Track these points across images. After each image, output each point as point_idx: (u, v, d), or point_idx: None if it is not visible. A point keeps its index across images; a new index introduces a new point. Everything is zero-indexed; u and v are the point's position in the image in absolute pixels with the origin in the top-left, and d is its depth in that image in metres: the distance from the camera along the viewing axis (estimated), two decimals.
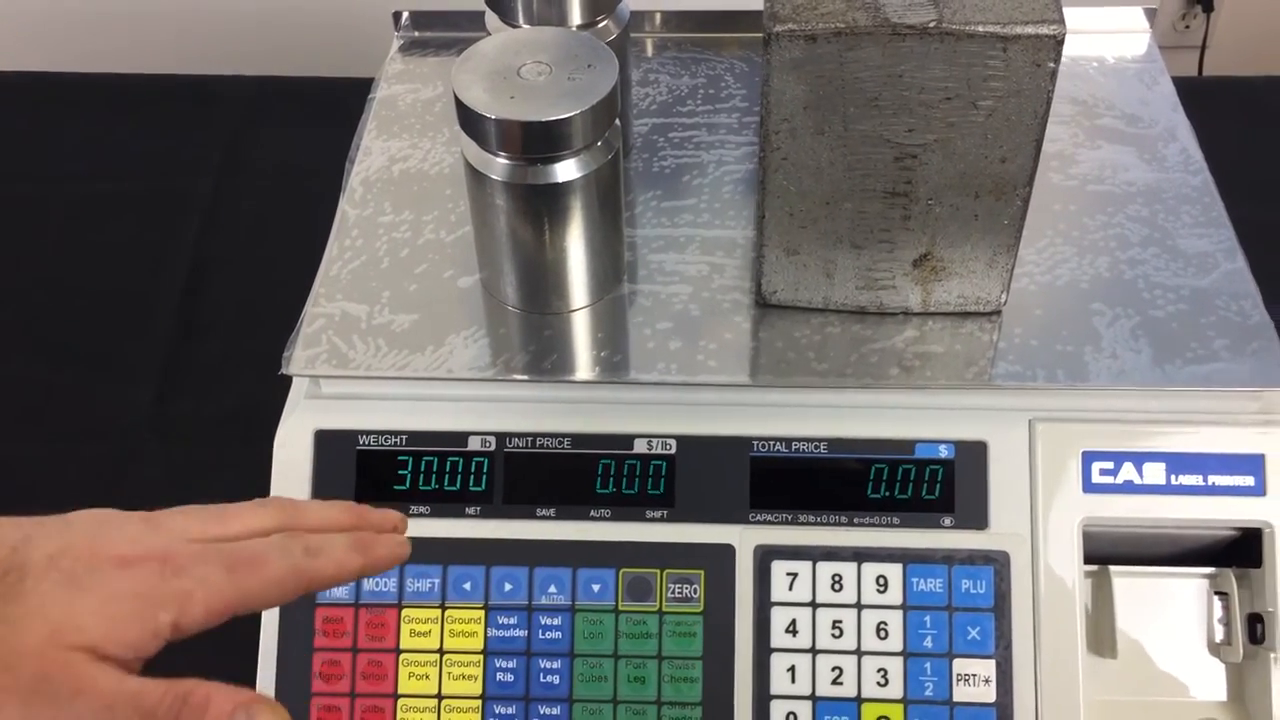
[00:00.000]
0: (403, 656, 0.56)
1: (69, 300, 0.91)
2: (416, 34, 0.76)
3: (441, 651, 0.56)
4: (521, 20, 0.61)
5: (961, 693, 0.54)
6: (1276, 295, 0.84)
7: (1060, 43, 0.48)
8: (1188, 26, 1.61)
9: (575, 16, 0.61)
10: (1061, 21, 0.48)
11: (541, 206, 0.55)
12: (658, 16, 0.76)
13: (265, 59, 1.19)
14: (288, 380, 0.60)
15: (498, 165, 0.54)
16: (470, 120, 0.53)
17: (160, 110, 1.08)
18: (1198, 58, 1.59)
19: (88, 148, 1.04)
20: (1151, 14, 0.72)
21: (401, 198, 0.65)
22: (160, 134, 1.06)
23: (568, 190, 0.55)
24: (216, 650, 0.68)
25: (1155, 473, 0.55)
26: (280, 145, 1.04)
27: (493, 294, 0.60)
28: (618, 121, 0.56)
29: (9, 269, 0.93)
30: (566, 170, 0.54)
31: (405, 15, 0.76)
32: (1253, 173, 0.96)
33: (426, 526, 0.56)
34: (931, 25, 0.48)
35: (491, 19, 0.62)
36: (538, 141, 0.53)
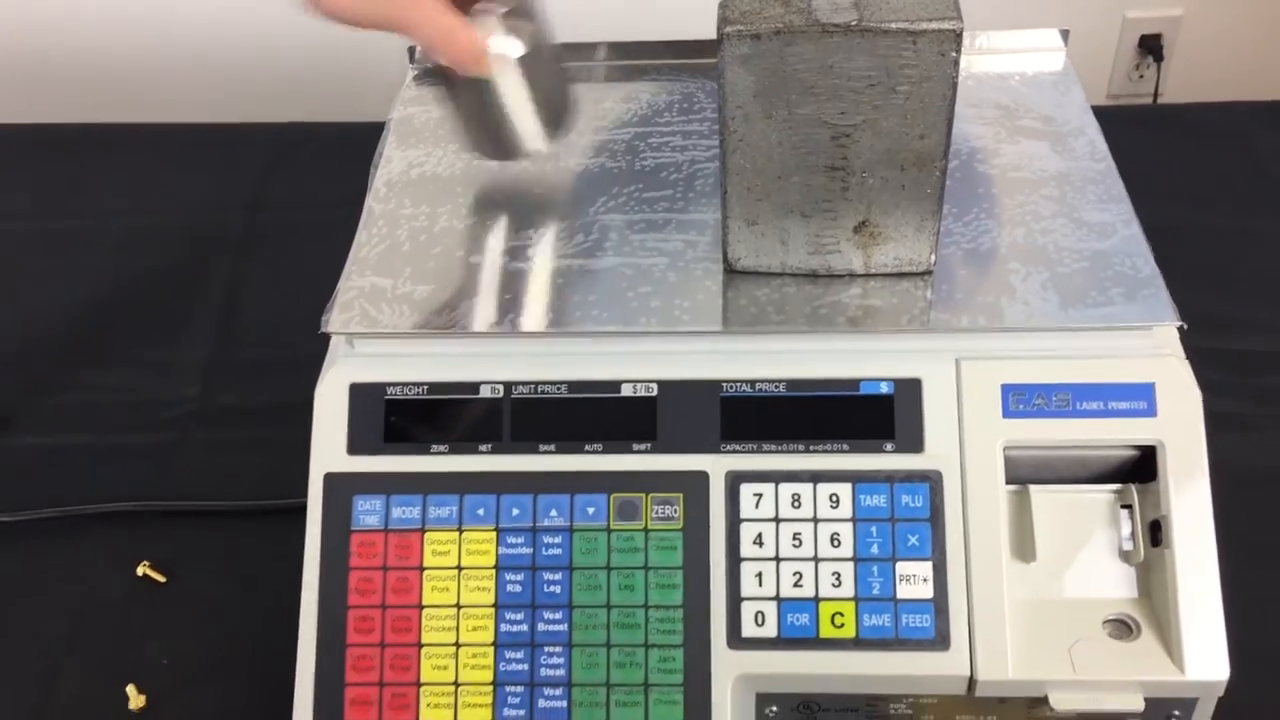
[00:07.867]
0: (426, 573, 0.65)
1: (118, 316, 1.01)
2: (429, 64, 0.87)
3: (459, 568, 0.65)
4: None
5: (904, 591, 0.63)
6: (1215, 287, 0.94)
7: (959, 35, 0.59)
8: (1141, 76, 1.74)
9: None
10: (959, 18, 0.59)
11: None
12: (645, 43, 0.87)
13: (286, 107, 1.30)
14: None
15: None
16: None
17: (195, 155, 1.19)
18: (1151, 104, 1.71)
19: (132, 189, 1.15)
20: (1065, 34, 0.83)
21: (419, 195, 0.75)
22: (195, 176, 1.17)
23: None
24: (265, 571, 0.77)
25: (1063, 401, 0.65)
26: (302, 183, 1.15)
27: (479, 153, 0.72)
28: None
29: (66, 290, 1.03)
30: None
31: (418, 50, 0.87)
32: (1195, 186, 1.07)
33: (446, 462, 0.65)
34: (853, 24, 0.59)
35: None
36: None
